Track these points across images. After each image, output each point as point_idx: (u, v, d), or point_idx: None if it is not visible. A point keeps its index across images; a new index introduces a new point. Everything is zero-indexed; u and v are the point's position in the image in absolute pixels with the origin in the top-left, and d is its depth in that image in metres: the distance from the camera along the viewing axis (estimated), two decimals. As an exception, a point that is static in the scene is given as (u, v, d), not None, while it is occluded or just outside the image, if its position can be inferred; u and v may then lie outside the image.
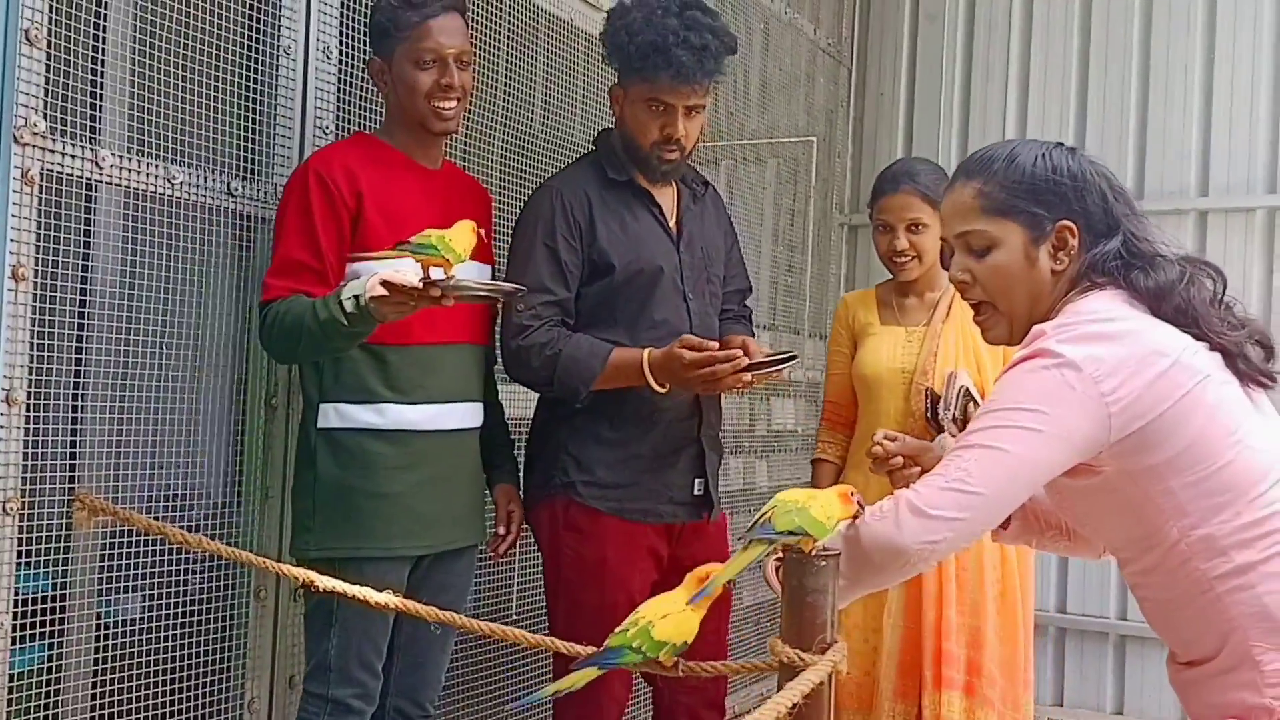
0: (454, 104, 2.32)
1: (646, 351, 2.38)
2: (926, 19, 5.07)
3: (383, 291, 1.99)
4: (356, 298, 2.02)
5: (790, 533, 1.49)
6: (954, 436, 2.55)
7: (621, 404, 2.45)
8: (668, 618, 1.52)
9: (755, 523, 1.53)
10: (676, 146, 2.50)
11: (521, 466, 2.64)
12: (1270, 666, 1.48)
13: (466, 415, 2.39)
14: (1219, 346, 1.55)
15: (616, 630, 1.55)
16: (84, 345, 2.22)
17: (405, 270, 2.01)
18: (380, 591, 2.06)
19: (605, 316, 2.49)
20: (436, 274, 2.00)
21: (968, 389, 2.66)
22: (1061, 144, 1.68)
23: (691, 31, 2.39)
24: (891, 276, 2.95)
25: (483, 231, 2.47)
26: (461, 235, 2.06)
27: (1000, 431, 1.50)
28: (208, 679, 2.35)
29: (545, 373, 2.42)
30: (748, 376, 2.33)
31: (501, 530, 2.52)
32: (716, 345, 2.33)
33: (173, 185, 2.22)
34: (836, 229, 5.15)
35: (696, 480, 2.56)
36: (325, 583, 1.86)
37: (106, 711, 2.15)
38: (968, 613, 2.72)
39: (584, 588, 2.46)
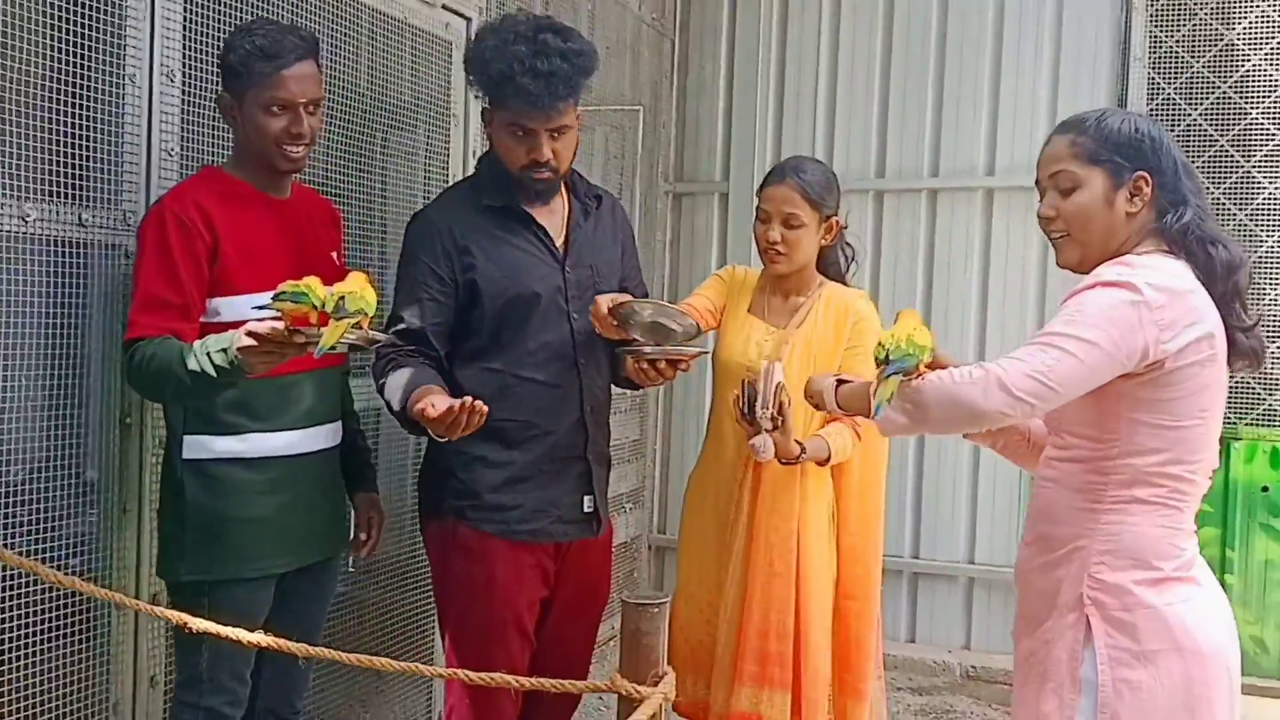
0: (302, 148, 2.40)
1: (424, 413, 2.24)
2: (745, -4, 5.32)
3: (250, 342, 2.05)
4: (225, 350, 2.09)
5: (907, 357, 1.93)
6: (770, 433, 2.61)
7: (506, 426, 2.46)
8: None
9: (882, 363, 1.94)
10: (546, 168, 2.49)
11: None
12: (1096, 576, 1.90)
13: (327, 436, 2.51)
14: (1230, 336, 1.92)
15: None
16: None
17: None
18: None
19: (488, 343, 2.50)
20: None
21: (782, 384, 2.64)
22: (1151, 116, 2.00)
23: (539, 58, 2.37)
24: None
25: (335, 255, 2.60)
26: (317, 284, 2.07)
27: (1080, 343, 1.82)
28: (74, 683, 2.46)
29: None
30: (665, 368, 2.41)
31: (364, 536, 2.67)
32: (443, 409, 2.21)
33: (26, 223, 2.26)
34: (662, 196, 5.39)
35: (585, 498, 2.57)
36: (198, 624, 1.96)
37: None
38: (790, 612, 2.72)
39: (472, 605, 2.49)
